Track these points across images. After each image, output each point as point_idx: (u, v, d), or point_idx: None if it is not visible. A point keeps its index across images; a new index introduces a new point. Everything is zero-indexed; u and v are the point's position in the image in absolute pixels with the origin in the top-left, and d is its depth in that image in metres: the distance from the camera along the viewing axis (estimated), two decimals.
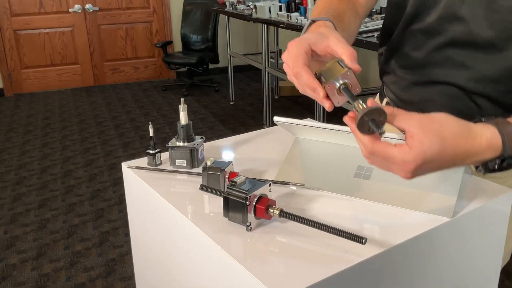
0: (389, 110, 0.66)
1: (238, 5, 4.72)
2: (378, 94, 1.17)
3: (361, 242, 0.68)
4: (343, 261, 0.69)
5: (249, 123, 4.63)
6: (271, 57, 4.88)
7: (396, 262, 0.75)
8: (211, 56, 5.68)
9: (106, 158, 3.82)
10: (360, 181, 0.89)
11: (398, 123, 0.66)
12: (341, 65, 0.71)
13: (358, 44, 2.54)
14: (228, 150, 1.11)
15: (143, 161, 1.04)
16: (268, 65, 4.32)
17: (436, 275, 0.83)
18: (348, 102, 0.71)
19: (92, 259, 2.46)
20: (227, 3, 4.94)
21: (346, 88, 0.71)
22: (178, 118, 1.02)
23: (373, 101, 0.66)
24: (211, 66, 5.84)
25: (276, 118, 0.92)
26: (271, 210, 0.77)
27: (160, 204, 0.91)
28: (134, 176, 1.00)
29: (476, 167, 0.71)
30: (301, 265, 0.68)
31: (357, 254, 0.70)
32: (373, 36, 2.65)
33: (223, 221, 0.80)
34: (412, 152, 0.64)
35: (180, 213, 0.84)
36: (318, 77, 0.72)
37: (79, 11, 5.94)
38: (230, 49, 5.18)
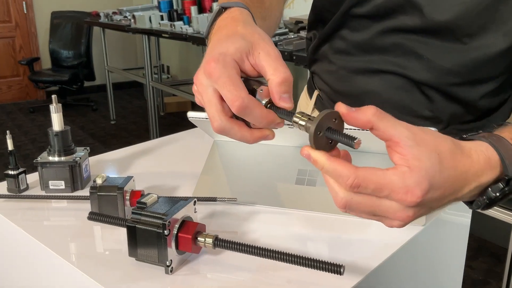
0: (341, 108, 0.44)
1: (114, 16, 4.36)
2: (305, 87, 0.99)
3: (339, 272, 0.48)
4: None
5: (135, 142, 4.18)
6: (154, 72, 4.59)
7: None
8: (86, 72, 5.19)
9: None
10: (304, 189, 0.69)
11: (381, 127, 0.42)
12: None
13: None
14: (123, 164, 0.84)
15: (1, 187, 0.74)
16: (152, 79, 4.02)
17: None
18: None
19: None
20: (102, 14, 4.55)
21: (273, 105, 0.49)
22: (50, 143, 0.73)
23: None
24: (86, 83, 5.35)
25: (191, 114, 0.69)
26: (201, 239, 0.53)
27: (30, 246, 0.62)
28: None
29: (471, 202, 0.50)
30: None
31: None
32: None
33: (127, 263, 0.55)
34: (414, 172, 0.42)
35: (60, 258, 0.57)
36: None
37: None
38: (107, 64, 4.77)
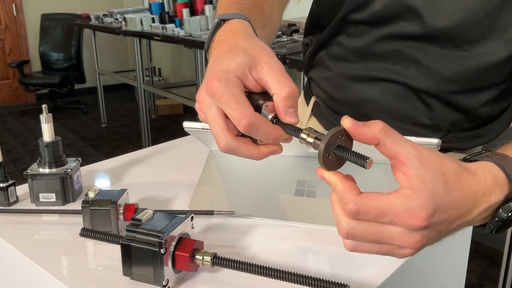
0: (347, 122, 0.42)
1: (105, 18, 4.32)
2: (302, 93, 0.97)
3: None
4: None
5: (126, 145, 4.22)
6: (146, 75, 4.56)
7: None
8: (76, 75, 5.14)
9: None
10: (304, 200, 0.67)
11: (387, 144, 0.41)
12: None
13: None
14: (115, 174, 0.82)
15: None
16: (143, 82, 3.99)
17: None
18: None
19: None
20: (92, 17, 4.51)
21: (279, 120, 0.47)
22: (40, 154, 0.70)
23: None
24: (77, 86, 5.30)
25: (186, 124, 0.67)
26: (199, 257, 0.51)
27: (18, 263, 0.60)
28: None
29: (483, 226, 0.47)
30: None
31: None
32: None
33: (121, 282, 0.52)
34: (417, 195, 0.40)
35: (51, 276, 0.54)
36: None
37: None
38: (98, 67, 4.73)
